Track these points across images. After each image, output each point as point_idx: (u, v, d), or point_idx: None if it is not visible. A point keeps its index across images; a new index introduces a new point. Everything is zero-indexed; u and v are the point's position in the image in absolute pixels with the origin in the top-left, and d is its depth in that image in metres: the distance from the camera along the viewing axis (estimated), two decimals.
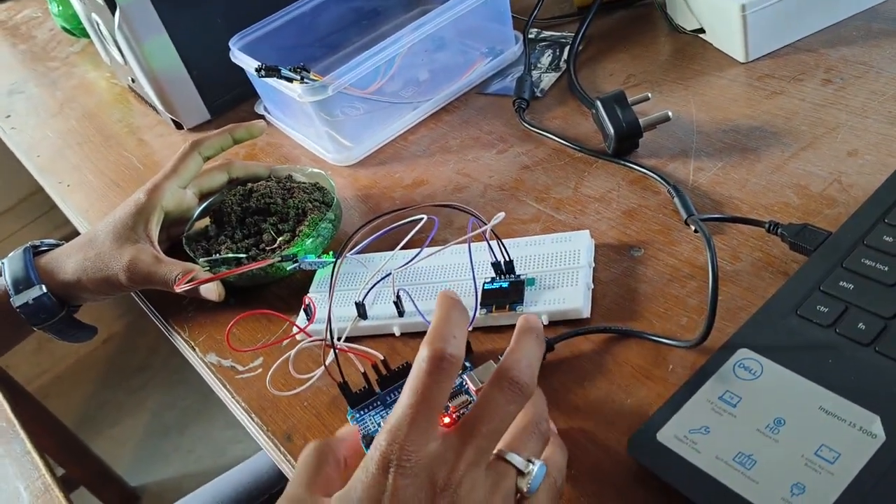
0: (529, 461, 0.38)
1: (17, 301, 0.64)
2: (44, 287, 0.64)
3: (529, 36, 0.82)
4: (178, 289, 0.59)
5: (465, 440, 0.37)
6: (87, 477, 1.56)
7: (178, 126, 0.89)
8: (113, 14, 0.80)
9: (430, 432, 0.36)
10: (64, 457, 1.50)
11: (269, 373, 0.55)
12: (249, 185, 0.69)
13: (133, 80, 0.92)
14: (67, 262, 0.65)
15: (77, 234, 0.71)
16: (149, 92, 0.88)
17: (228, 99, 0.89)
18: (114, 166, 0.89)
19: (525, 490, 0.38)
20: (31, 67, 1.19)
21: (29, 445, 0.93)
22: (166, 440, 1.77)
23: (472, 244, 0.54)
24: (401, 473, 0.35)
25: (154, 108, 0.92)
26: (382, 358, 0.51)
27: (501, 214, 0.52)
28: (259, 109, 0.86)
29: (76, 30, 1.16)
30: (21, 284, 0.65)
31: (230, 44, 0.78)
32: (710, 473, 0.39)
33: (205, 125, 0.89)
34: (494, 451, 0.38)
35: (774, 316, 0.46)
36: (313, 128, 0.75)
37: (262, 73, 0.69)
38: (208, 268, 0.62)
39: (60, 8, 1.15)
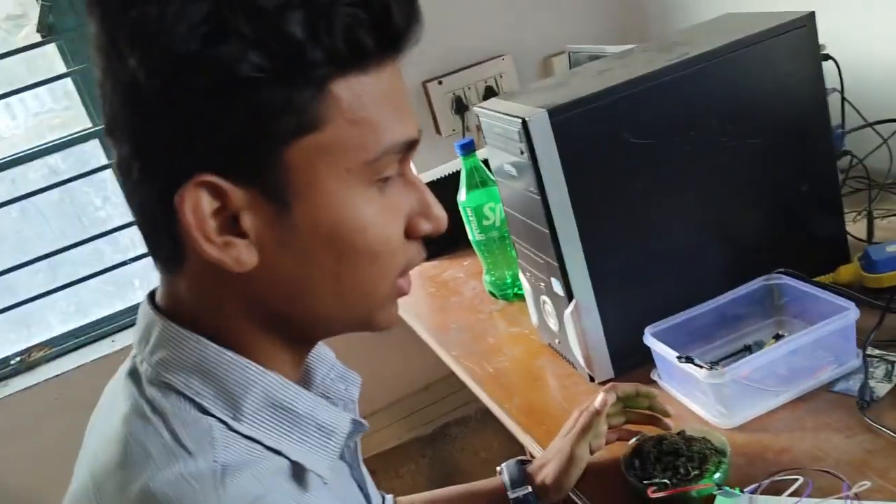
0: None
1: (512, 494, 1.04)
2: (529, 488, 1.04)
3: (867, 352, 1.12)
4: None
5: None
6: None
7: (591, 379, 1.27)
8: (567, 305, 1.23)
9: None
10: None
11: None
12: (657, 435, 1.04)
13: (558, 342, 1.33)
14: (542, 471, 1.05)
15: None
16: (576, 354, 1.27)
17: (629, 363, 1.26)
18: (539, 402, 1.28)
19: None
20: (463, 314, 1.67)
21: None
22: None
23: None
24: None
25: (571, 364, 1.32)
26: None
27: (867, 483, 0.81)
28: (654, 376, 1.21)
29: (500, 294, 1.63)
30: (516, 484, 1.05)
31: (646, 330, 1.16)
32: None
33: (609, 380, 1.26)
34: None
35: None
36: (704, 397, 1.09)
37: (682, 360, 1.05)
38: (645, 486, 0.95)
39: (492, 277, 1.63)
